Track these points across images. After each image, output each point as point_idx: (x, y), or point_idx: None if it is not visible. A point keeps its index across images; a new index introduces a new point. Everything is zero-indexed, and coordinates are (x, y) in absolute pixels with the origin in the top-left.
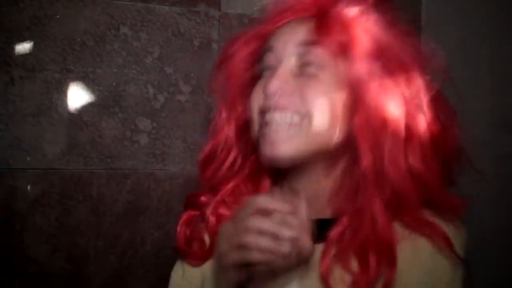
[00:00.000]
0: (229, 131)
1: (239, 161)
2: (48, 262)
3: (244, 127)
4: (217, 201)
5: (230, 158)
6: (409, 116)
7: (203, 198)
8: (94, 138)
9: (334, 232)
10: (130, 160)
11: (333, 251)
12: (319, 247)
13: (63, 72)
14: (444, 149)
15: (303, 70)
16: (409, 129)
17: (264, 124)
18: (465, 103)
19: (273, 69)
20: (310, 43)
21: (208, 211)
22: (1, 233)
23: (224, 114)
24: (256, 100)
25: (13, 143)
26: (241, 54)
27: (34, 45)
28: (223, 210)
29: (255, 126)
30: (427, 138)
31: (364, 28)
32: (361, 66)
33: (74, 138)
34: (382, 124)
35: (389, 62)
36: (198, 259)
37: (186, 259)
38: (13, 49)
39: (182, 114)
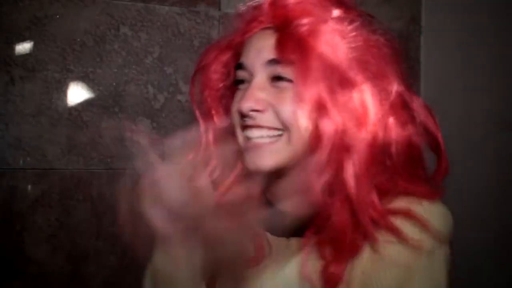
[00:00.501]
0: (207, 140)
1: (219, 168)
2: (48, 262)
3: (221, 137)
4: None
5: (211, 166)
6: (372, 121)
7: None
8: (94, 138)
9: (311, 227)
10: (130, 160)
11: (310, 243)
12: (298, 240)
13: (63, 72)
14: (411, 151)
15: (274, 83)
16: (372, 133)
17: (245, 138)
18: (466, 103)
19: (246, 82)
20: (275, 62)
21: None
22: (1, 233)
23: (202, 125)
24: (235, 115)
25: (13, 143)
26: (214, 65)
27: (34, 45)
28: None
29: (240, 141)
30: (388, 141)
31: (323, 43)
32: (315, 82)
33: (74, 138)
34: (343, 133)
35: (351, 74)
36: None
37: None
38: (13, 49)
39: (182, 114)
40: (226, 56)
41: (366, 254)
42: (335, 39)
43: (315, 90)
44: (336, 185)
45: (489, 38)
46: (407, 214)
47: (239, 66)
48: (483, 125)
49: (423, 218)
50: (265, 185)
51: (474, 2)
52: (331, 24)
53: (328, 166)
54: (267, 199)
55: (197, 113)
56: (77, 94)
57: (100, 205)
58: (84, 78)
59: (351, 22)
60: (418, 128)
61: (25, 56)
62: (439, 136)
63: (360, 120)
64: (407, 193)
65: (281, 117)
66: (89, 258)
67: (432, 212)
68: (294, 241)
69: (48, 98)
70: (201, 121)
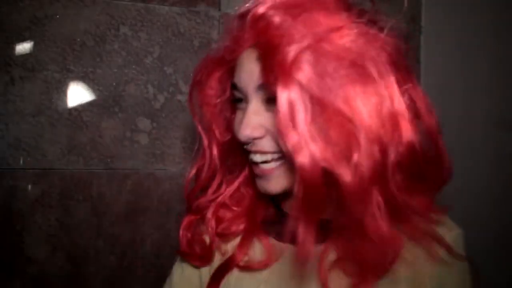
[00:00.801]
0: (211, 154)
1: (225, 180)
2: (48, 262)
3: (226, 148)
4: (217, 205)
5: (217, 179)
6: (384, 130)
7: (202, 203)
8: (94, 138)
9: (331, 238)
10: (130, 160)
11: (331, 255)
12: (318, 249)
13: (63, 72)
14: (421, 161)
15: (268, 107)
16: (385, 143)
17: (252, 162)
18: (466, 103)
19: (244, 102)
20: (265, 87)
21: (209, 214)
22: (1, 233)
23: (205, 140)
24: (237, 140)
25: (13, 143)
26: (209, 81)
27: (34, 45)
28: (223, 213)
29: (250, 162)
30: (405, 153)
31: (307, 72)
32: (303, 107)
33: (74, 138)
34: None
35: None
36: (199, 260)
37: (188, 260)
38: (13, 49)
39: (182, 114)
40: (219, 73)
41: (397, 268)
42: (321, 65)
43: (302, 116)
44: (362, 196)
45: (489, 38)
46: (439, 240)
47: (234, 87)
48: (483, 125)
49: (451, 245)
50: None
51: (474, 2)
52: (321, 43)
53: (348, 179)
54: (279, 205)
55: (199, 127)
56: (77, 94)
57: (100, 205)
58: (84, 78)
59: (350, 29)
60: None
61: (25, 56)
62: (441, 142)
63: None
64: (424, 210)
65: (281, 140)
66: (89, 258)
67: (459, 240)
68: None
69: (48, 98)
70: (203, 135)
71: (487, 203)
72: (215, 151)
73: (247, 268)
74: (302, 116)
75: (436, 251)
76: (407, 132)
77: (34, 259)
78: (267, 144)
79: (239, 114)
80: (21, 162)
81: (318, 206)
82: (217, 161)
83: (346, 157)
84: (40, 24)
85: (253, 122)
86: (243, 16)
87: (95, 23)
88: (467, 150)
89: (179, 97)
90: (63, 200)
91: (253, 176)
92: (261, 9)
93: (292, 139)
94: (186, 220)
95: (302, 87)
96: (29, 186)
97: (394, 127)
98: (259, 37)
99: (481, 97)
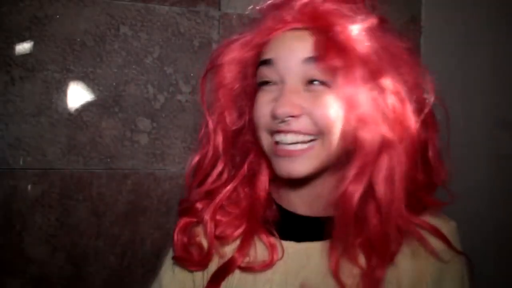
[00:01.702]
0: (216, 141)
1: (227, 170)
2: (48, 262)
3: (231, 138)
4: (215, 207)
5: (218, 168)
6: (400, 126)
7: (198, 205)
8: (94, 138)
9: (338, 229)
10: (130, 160)
11: (339, 247)
12: (323, 244)
13: (63, 72)
14: (425, 156)
15: (308, 87)
16: (402, 138)
17: (275, 143)
18: (466, 103)
19: (272, 84)
20: (313, 61)
21: (207, 217)
22: (1, 233)
23: (210, 125)
24: (263, 119)
25: (13, 143)
26: (231, 64)
27: (34, 45)
28: (220, 216)
29: (265, 144)
30: (414, 145)
31: (362, 46)
32: (359, 84)
33: (74, 138)
34: (377, 138)
35: (385, 79)
36: (196, 265)
37: (184, 266)
38: (13, 49)
39: (182, 114)
40: (246, 55)
41: (398, 261)
42: (375, 45)
43: (358, 96)
44: (368, 191)
45: (489, 38)
46: (436, 232)
47: (267, 62)
48: (483, 125)
49: (448, 237)
50: (283, 183)
51: (474, 2)
52: (368, 29)
53: (365, 172)
54: (275, 201)
55: (206, 113)
56: (77, 94)
57: (100, 205)
58: (84, 78)
59: (379, 27)
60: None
61: (25, 56)
62: (436, 143)
63: (398, 126)
64: (426, 203)
65: (316, 122)
66: (89, 258)
67: (454, 233)
68: (307, 245)
69: (48, 98)
70: (210, 120)
71: (487, 203)
72: (220, 137)
73: (250, 269)
74: (364, 90)
75: (434, 244)
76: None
77: (34, 259)
78: (302, 124)
79: (266, 95)
80: (21, 162)
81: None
82: (220, 147)
83: (394, 136)
84: (40, 24)
85: (292, 99)
86: (284, 2)
87: (95, 23)
88: (467, 150)
89: (179, 97)
90: (63, 200)
91: (253, 173)
92: None
93: (354, 114)
94: (181, 223)
95: (363, 61)
96: (29, 186)
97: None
98: (313, 18)
99: (481, 97)
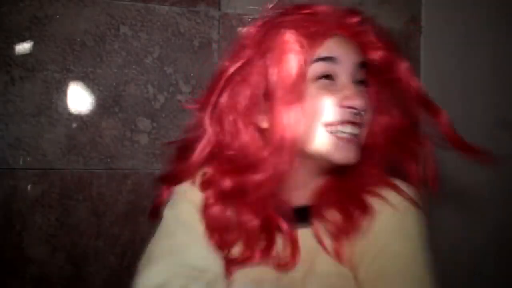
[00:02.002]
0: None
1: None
2: (48, 262)
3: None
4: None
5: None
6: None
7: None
8: (94, 138)
9: (319, 213)
10: (130, 160)
11: (320, 227)
12: (305, 232)
13: (63, 72)
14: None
15: (355, 86)
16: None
17: (334, 134)
18: (466, 103)
19: (331, 79)
20: (363, 65)
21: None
22: (1, 233)
23: (208, 120)
24: (326, 112)
25: (13, 143)
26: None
27: (34, 45)
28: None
29: (318, 137)
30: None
31: (391, 50)
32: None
33: (74, 138)
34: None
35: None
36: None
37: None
38: (13, 49)
39: (182, 114)
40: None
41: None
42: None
43: (385, 96)
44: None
45: (489, 38)
46: (393, 187)
47: (328, 59)
48: (483, 125)
49: (403, 189)
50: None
51: (474, 2)
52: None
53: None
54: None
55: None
56: (77, 94)
57: (100, 205)
58: (84, 78)
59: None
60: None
61: (25, 56)
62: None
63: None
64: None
65: (364, 116)
66: (89, 258)
67: (414, 193)
68: (300, 231)
69: (48, 98)
70: (209, 125)
71: (487, 203)
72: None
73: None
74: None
75: (395, 200)
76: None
77: (34, 259)
78: (365, 117)
79: (327, 88)
80: (21, 162)
81: None
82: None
83: None
84: (40, 24)
85: (362, 95)
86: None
87: (95, 23)
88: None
89: (179, 97)
90: (63, 200)
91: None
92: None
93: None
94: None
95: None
96: (29, 186)
97: None
98: (356, 32)
99: (481, 97)
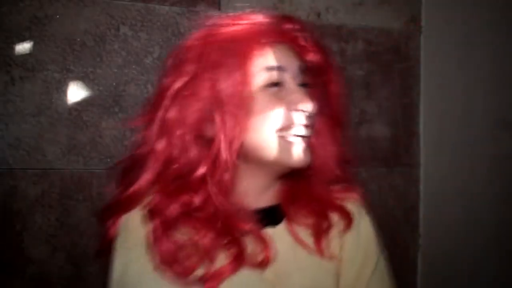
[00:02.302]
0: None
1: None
2: (48, 262)
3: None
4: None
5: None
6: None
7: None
8: (94, 138)
9: (289, 212)
10: None
11: (294, 225)
12: (276, 230)
13: (63, 72)
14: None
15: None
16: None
17: (287, 139)
18: (466, 103)
19: (278, 86)
20: (304, 69)
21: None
22: (1, 233)
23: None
24: (279, 114)
25: (13, 143)
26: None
27: (34, 45)
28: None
29: (271, 144)
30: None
31: (326, 52)
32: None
33: (74, 138)
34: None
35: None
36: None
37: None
38: (13, 49)
39: None
40: (246, 58)
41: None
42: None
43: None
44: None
45: (489, 38)
46: (350, 197)
47: (275, 69)
48: (483, 125)
49: (358, 200)
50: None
51: (474, 2)
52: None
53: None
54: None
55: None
56: (77, 94)
57: (100, 205)
58: (84, 78)
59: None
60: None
61: (25, 56)
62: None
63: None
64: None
65: (313, 117)
66: (89, 258)
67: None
68: (267, 231)
69: (48, 98)
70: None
71: (487, 203)
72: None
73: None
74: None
75: (349, 207)
76: None
77: (34, 259)
78: (313, 118)
79: (275, 95)
80: (21, 162)
81: None
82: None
83: None
84: (40, 24)
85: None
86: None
87: (95, 23)
88: (467, 150)
89: None
90: (63, 200)
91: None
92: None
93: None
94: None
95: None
96: (29, 186)
97: None
98: (292, 38)
99: (481, 97)
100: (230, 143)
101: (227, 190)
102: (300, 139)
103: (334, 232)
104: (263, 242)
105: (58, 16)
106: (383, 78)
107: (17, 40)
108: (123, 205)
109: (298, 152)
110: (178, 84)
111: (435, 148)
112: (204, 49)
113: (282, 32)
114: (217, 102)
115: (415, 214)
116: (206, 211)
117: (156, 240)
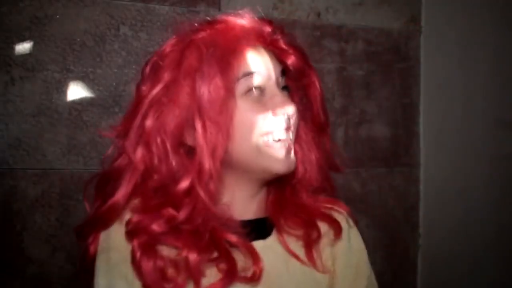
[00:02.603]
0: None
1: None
2: (48, 262)
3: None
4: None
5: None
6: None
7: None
8: (94, 138)
9: (278, 223)
10: None
11: (284, 236)
12: (266, 243)
13: (63, 72)
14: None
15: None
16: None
17: (270, 144)
18: (466, 103)
19: (257, 91)
20: (283, 72)
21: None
22: (1, 233)
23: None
24: (262, 119)
25: (13, 143)
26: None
27: (34, 45)
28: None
29: (254, 150)
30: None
31: (306, 56)
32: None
33: (74, 138)
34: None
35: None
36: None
37: None
38: (13, 49)
39: None
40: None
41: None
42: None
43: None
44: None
45: (489, 38)
46: (338, 208)
47: (255, 72)
48: (483, 125)
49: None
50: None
51: (474, 2)
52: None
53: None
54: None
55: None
56: (77, 94)
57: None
58: (84, 78)
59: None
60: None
61: (25, 56)
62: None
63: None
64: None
65: (294, 120)
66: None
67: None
68: (258, 244)
69: (48, 98)
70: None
71: (487, 203)
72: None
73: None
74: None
75: (337, 216)
76: None
77: (34, 259)
78: (295, 121)
79: (255, 100)
80: (21, 162)
81: None
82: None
83: None
84: (40, 24)
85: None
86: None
87: (95, 23)
88: (467, 150)
89: None
90: (63, 200)
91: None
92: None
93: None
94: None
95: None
96: (29, 186)
97: None
98: (270, 41)
99: (481, 97)
100: (212, 151)
101: (213, 200)
102: (282, 143)
103: (324, 242)
104: (254, 256)
105: (58, 16)
106: (383, 78)
107: (17, 40)
108: (101, 221)
109: (281, 157)
110: (156, 91)
111: (435, 148)
112: (182, 55)
113: (262, 35)
114: (198, 109)
115: (415, 214)
116: (192, 224)
117: (141, 259)
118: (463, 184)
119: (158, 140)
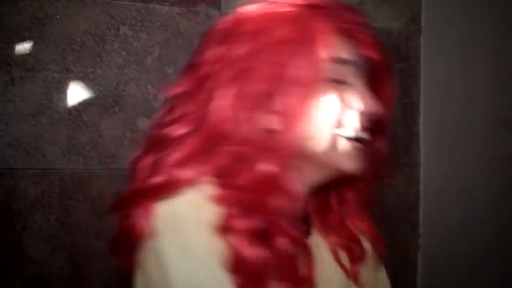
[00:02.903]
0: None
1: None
2: (48, 262)
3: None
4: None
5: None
6: None
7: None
8: (94, 138)
9: (316, 223)
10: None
11: (332, 237)
12: (314, 240)
13: (63, 72)
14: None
15: None
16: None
17: (341, 138)
18: (466, 103)
19: (346, 81)
20: (363, 64)
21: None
22: (1, 233)
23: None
24: (342, 115)
25: (13, 143)
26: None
27: (34, 45)
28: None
29: (325, 139)
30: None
31: (384, 51)
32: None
33: (74, 138)
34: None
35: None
36: None
37: None
38: (13, 49)
39: None
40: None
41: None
42: None
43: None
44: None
45: (489, 38)
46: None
47: (343, 62)
48: (483, 125)
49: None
50: None
51: (474, 2)
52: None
53: None
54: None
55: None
56: (77, 94)
57: (100, 205)
58: (84, 78)
59: None
60: None
61: (25, 56)
62: None
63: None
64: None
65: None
66: (89, 258)
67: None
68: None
69: (48, 98)
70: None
71: (487, 203)
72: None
73: None
74: None
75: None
76: None
77: (34, 259)
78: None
79: (337, 92)
80: (21, 162)
81: None
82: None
83: None
84: (40, 24)
85: None
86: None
87: (95, 23)
88: (467, 150)
89: None
90: (63, 200)
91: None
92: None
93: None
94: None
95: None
96: (29, 186)
97: None
98: (356, 31)
99: (481, 97)
100: (290, 131)
101: (286, 187)
102: (358, 142)
103: (368, 262)
104: (307, 255)
105: (58, 16)
106: None
107: (17, 40)
108: (159, 191)
109: (354, 155)
110: (236, 52)
111: (435, 148)
112: (266, 24)
113: (345, 21)
114: (279, 84)
115: (415, 214)
116: (277, 214)
117: (239, 261)
118: (463, 184)
119: (232, 106)
